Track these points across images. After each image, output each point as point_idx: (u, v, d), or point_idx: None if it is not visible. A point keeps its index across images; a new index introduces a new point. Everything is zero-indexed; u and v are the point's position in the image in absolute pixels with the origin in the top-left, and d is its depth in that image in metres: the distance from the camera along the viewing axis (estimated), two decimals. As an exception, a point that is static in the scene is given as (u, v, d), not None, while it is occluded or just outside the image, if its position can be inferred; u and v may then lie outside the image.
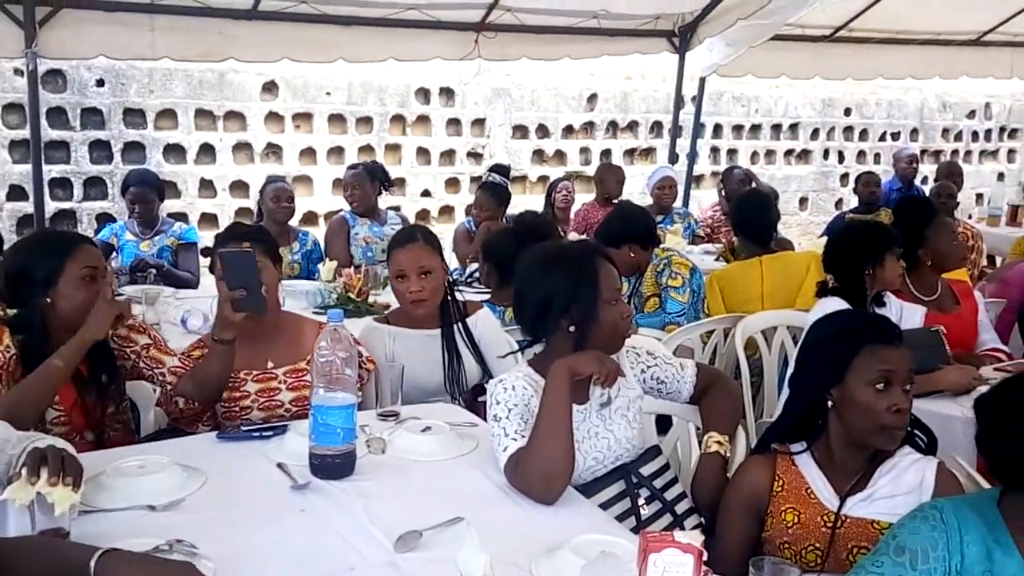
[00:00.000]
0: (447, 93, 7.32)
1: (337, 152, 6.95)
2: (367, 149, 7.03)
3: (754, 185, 6.06)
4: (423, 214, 7.35)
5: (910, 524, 1.36)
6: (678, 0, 5.81)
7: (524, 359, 2.08)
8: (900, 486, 1.72)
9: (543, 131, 7.76)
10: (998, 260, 6.10)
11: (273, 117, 6.72)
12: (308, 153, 6.88)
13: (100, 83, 6.08)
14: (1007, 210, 6.88)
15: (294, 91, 6.75)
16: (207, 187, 6.60)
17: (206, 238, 6.54)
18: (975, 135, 9.74)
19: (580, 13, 5.54)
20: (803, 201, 9.04)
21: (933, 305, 3.12)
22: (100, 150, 6.16)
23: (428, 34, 5.36)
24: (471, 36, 5.41)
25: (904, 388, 1.69)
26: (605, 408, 1.99)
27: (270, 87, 6.68)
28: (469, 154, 7.49)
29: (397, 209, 6.95)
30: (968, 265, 4.99)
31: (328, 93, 6.87)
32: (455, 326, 2.66)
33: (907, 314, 3.00)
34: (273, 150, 6.78)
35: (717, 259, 5.03)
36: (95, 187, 6.18)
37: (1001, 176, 9.89)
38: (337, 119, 6.94)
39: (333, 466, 1.82)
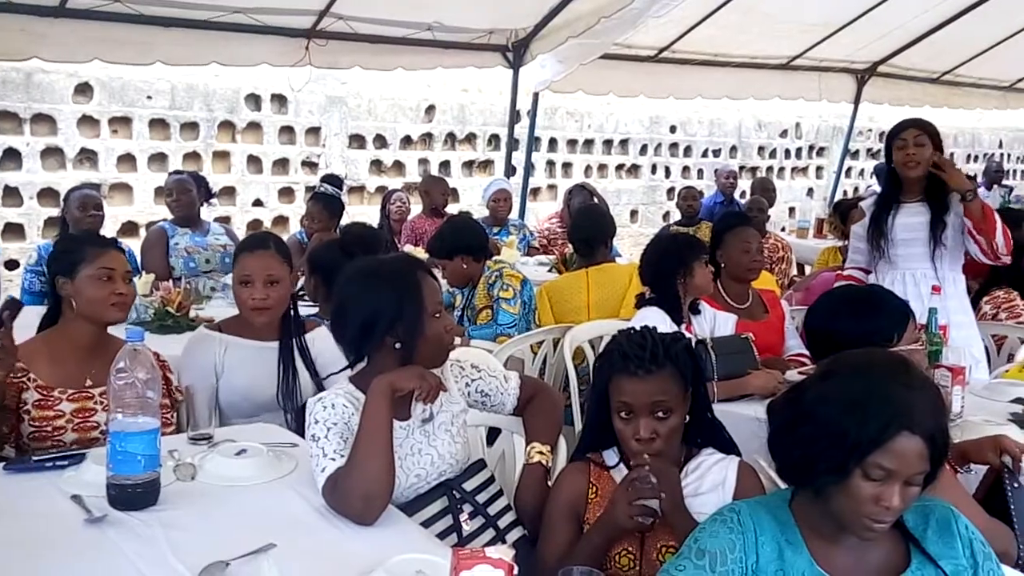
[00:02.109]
0: (279, 100, 7.11)
1: (159, 159, 6.59)
2: (193, 156, 6.72)
3: (595, 200, 6.25)
4: (255, 224, 7.10)
5: (710, 527, 1.42)
6: (511, 16, 5.91)
7: (346, 376, 2.03)
8: (704, 485, 1.80)
9: (381, 141, 7.69)
10: (807, 269, 6.58)
11: (87, 121, 6.30)
12: (127, 160, 6.49)
13: None
14: (814, 223, 7.43)
15: (111, 94, 6.36)
16: (12, 195, 6.10)
17: (10, 250, 6.06)
18: (787, 153, 10.49)
19: (414, 24, 5.53)
20: (634, 214, 9.41)
21: (744, 313, 3.29)
22: None
23: (255, 39, 5.19)
24: (301, 43, 5.28)
25: (654, 416, 1.75)
26: (428, 424, 1.97)
27: (84, 89, 6.26)
28: (304, 163, 7.31)
29: (227, 220, 6.71)
30: (778, 274, 5.36)
31: (149, 97, 6.52)
32: (293, 340, 2.57)
33: (720, 322, 3.17)
34: (87, 156, 6.35)
35: (550, 270, 5.13)
36: None
37: (810, 191, 10.69)
38: (159, 124, 6.60)
39: (134, 496, 1.70)
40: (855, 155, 10.35)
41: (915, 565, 1.38)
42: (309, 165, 7.31)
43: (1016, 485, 1.82)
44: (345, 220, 5.17)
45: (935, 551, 1.38)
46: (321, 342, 2.61)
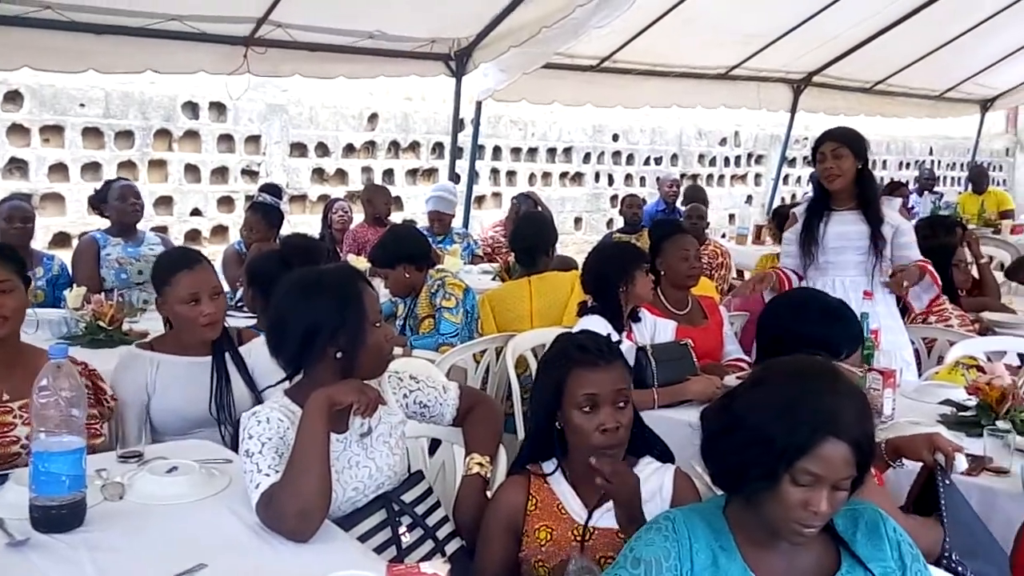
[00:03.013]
0: (218, 108, 7.00)
1: (93, 168, 6.44)
2: (128, 165, 6.58)
3: (539, 208, 6.27)
4: (193, 234, 6.97)
5: (645, 536, 1.43)
6: (453, 25, 5.90)
7: (281, 389, 1.99)
8: (642, 494, 1.80)
9: (323, 149, 7.62)
10: (746, 275, 6.68)
11: (17, 129, 6.13)
12: (59, 169, 6.33)
13: None
14: (753, 230, 7.55)
15: (42, 102, 6.19)
16: (-65, 205, 5.87)
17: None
18: (727, 160, 10.68)
19: (355, 33, 5.49)
20: (578, 221, 9.47)
21: (684, 320, 3.33)
22: None
23: (192, 47, 5.09)
24: (240, 50, 5.20)
25: (616, 406, 1.77)
26: (366, 438, 1.95)
27: (13, 96, 6.09)
28: (244, 172, 7.20)
29: (164, 230, 6.57)
30: (717, 280, 5.44)
31: (82, 105, 6.36)
32: (226, 353, 2.52)
33: (660, 328, 3.20)
34: (17, 165, 6.17)
35: (494, 279, 5.13)
36: None
37: (749, 198, 10.89)
38: (93, 133, 6.44)
39: (58, 518, 1.64)
40: (792, 163, 10.58)
41: (845, 568, 1.40)
42: (249, 174, 7.20)
43: (948, 483, 1.87)
44: (286, 230, 5.11)
45: (864, 554, 1.41)
46: (258, 352, 2.56)
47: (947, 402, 2.67)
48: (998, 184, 12.35)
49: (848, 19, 6.93)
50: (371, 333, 1.88)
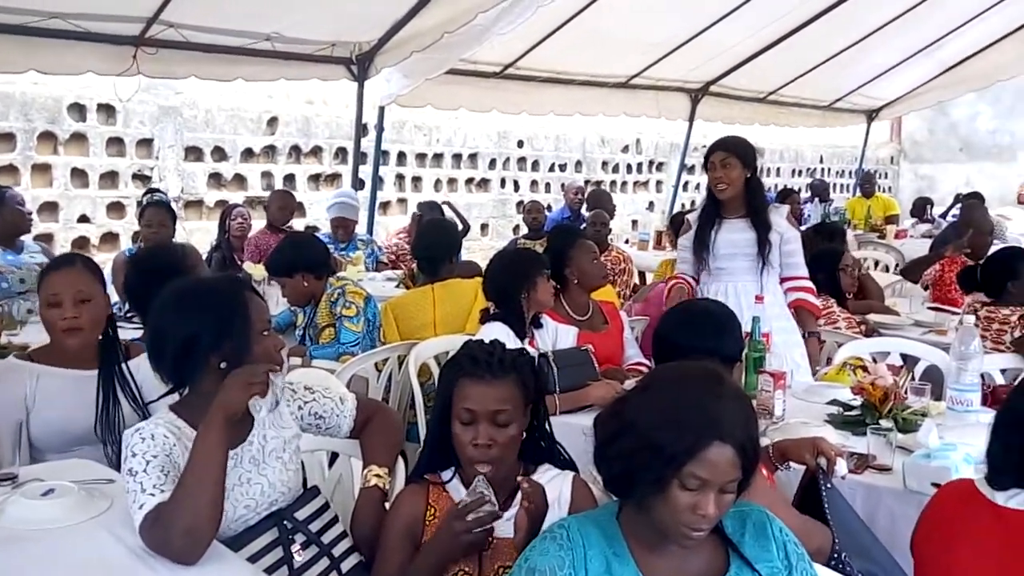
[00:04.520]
0: (107, 110, 6.71)
1: (-31, 172, 6.08)
2: (9, 169, 6.24)
3: (446, 216, 6.24)
4: (81, 242, 6.66)
5: (540, 545, 1.42)
6: (354, 29, 5.82)
7: (166, 404, 1.91)
8: (542, 502, 1.81)
9: (220, 154, 7.40)
10: (648, 279, 6.82)
11: None
12: (-69, 173, 5.95)
13: None
14: (654, 235, 7.72)
15: (-90, 101, 5.81)
16: None
17: None
18: (629, 167, 10.88)
19: (252, 34, 5.34)
20: (484, 227, 9.49)
21: (585, 325, 3.36)
22: None
23: (77, 46, 4.85)
24: (129, 51, 4.99)
25: (494, 423, 1.74)
26: (273, 412, 1.87)
27: None
28: (135, 176, 6.93)
29: (49, 238, 6.26)
30: (620, 285, 5.53)
31: (-43, 105, 6.00)
32: (114, 367, 2.40)
33: (561, 334, 3.22)
34: None
35: (398, 286, 5.07)
36: None
37: (651, 205, 11.13)
38: (-31, 135, 6.08)
39: (-83, 549, 1.53)
40: (691, 170, 10.85)
41: (734, 569, 1.43)
42: (141, 178, 6.92)
43: (829, 486, 1.93)
44: (180, 236, 4.95)
45: (752, 554, 1.44)
46: (147, 367, 2.44)
47: (834, 402, 2.77)
48: (884, 191, 12.99)
49: (741, 32, 7.16)
50: (258, 342, 1.83)
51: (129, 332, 3.37)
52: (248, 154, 7.58)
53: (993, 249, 4.33)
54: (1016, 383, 1.81)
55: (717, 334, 2.33)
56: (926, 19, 7.68)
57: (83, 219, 6.68)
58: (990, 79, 9.21)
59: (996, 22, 8.06)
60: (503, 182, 9.64)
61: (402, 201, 8.77)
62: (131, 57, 5.00)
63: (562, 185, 9.30)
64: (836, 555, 1.86)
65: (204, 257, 5.45)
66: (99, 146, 6.69)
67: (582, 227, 5.95)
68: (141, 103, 6.76)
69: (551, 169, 10.06)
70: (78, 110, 6.57)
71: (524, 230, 7.20)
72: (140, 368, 2.43)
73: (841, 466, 1.92)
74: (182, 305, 1.85)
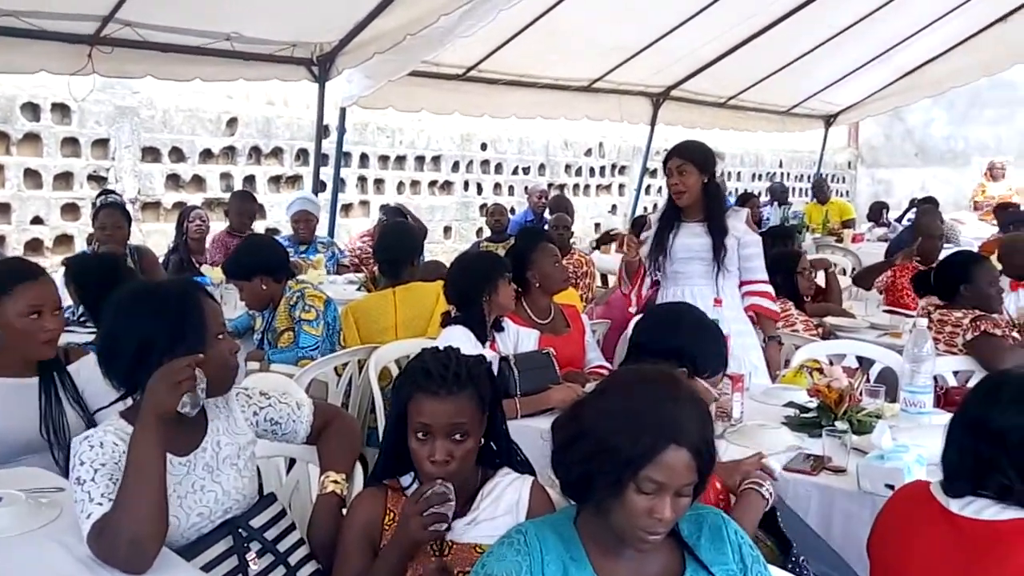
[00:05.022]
0: (61, 109, 6.58)
1: (-83, 172, 5.92)
2: (-42, 170, 6.08)
3: (409, 219, 6.21)
4: (34, 244, 6.52)
5: (497, 550, 1.42)
6: (314, 30, 5.77)
7: (116, 411, 1.87)
8: (500, 507, 1.79)
9: (178, 155, 7.29)
10: (610, 281, 6.85)
11: None
12: None
13: None
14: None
15: None
16: None
17: None
18: (592, 171, 10.92)
19: (210, 34, 5.27)
20: (447, 230, 9.46)
21: (547, 328, 3.36)
22: None
23: (30, 44, 4.75)
24: (84, 49, 4.89)
25: (451, 438, 1.71)
26: (228, 418, 1.84)
27: None
28: (90, 177, 6.79)
29: (0, 240, 6.12)
30: (582, 288, 5.54)
31: (-97, 104, 5.84)
32: (54, 373, 2.34)
33: (523, 337, 3.22)
34: None
35: (359, 289, 5.04)
36: None
37: (614, 208, 11.18)
38: (-83, 134, 5.92)
39: None
40: (653, 174, 10.92)
41: (689, 572, 1.44)
42: (96, 179, 6.79)
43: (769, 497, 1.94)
44: (137, 238, 4.86)
45: (708, 558, 1.45)
46: (88, 371, 2.39)
47: (791, 404, 2.80)
48: (841, 195, 13.19)
49: (701, 37, 7.23)
50: (213, 346, 1.80)
51: (82, 336, 3.32)
52: (207, 155, 7.47)
53: (946, 253, 4.41)
54: (970, 386, 1.82)
55: (698, 336, 2.28)
56: (882, 26, 7.83)
57: (36, 221, 6.54)
58: (944, 85, 9.41)
59: (950, 30, 8.24)
60: (466, 185, 9.62)
61: (364, 203, 8.72)
62: (86, 56, 4.90)
63: (525, 188, 9.32)
64: (794, 558, 1.88)
65: (161, 260, 5.38)
66: (53, 146, 6.55)
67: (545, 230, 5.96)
68: (97, 103, 6.63)
69: (514, 172, 10.07)
70: (31, 109, 6.43)
71: (487, 233, 7.19)
72: (80, 373, 2.39)
73: (774, 469, 1.95)
74: (135, 309, 1.81)
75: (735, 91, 8.93)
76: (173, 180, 7.28)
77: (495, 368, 2.75)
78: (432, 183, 9.32)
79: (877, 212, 9.97)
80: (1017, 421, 1.56)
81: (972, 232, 9.24)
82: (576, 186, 10.62)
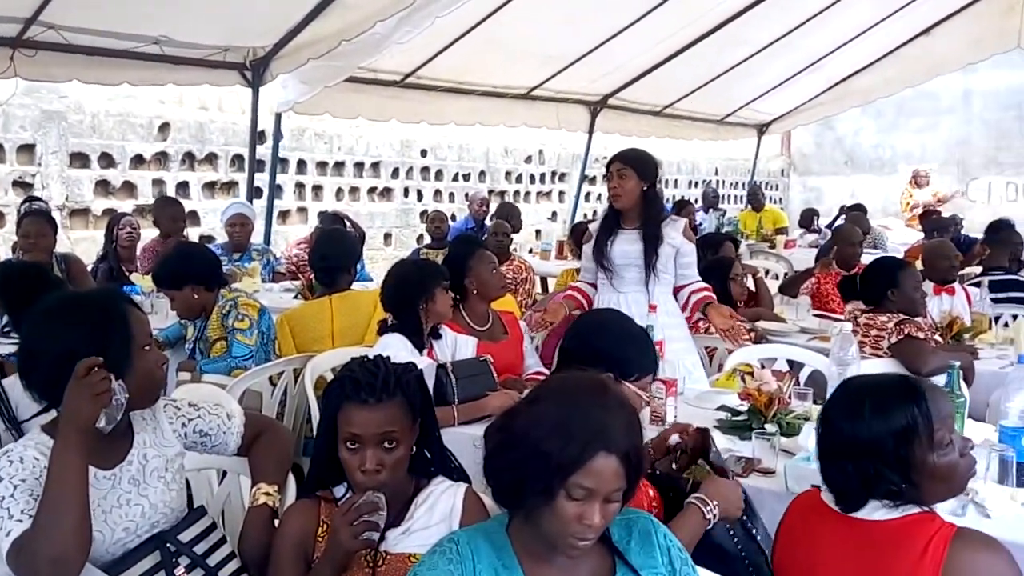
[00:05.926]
0: (-16, 114, 6.36)
1: None
2: None
3: (348, 226, 6.15)
4: (-45, 253, 6.28)
5: (429, 560, 1.42)
6: (247, 34, 5.68)
7: (38, 425, 1.81)
8: (434, 516, 1.79)
9: (108, 160, 7.10)
10: (551, 286, 6.89)
11: None
12: None
13: None
14: (556, 245, 7.81)
15: None
16: None
17: None
18: (532, 178, 10.98)
19: (139, 37, 5.14)
20: (387, 237, 9.41)
21: (485, 335, 3.37)
22: None
23: (-52, 46, 4.60)
24: (6, 52, 4.74)
25: (381, 447, 1.70)
26: (155, 431, 1.79)
27: None
28: (16, 183, 6.58)
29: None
30: (522, 295, 5.56)
31: None
32: None
33: (460, 344, 3.21)
34: None
35: (296, 297, 4.98)
36: None
37: (554, 215, 11.25)
38: None
39: None
40: (592, 181, 11.04)
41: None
42: (22, 186, 6.58)
43: (715, 449, 2.01)
44: (65, 246, 4.72)
45: (637, 562, 1.46)
46: (20, 385, 2.32)
47: (723, 408, 2.85)
48: (775, 202, 13.50)
49: (638, 46, 7.34)
50: (139, 357, 1.76)
51: (7, 347, 3.21)
52: (138, 161, 7.30)
53: (872, 258, 4.54)
54: (825, 402, 1.81)
55: (624, 342, 2.31)
56: (812, 38, 8.06)
57: (-43, 228, 6.31)
58: (871, 95, 9.73)
59: (877, 41, 8.53)
60: (406, 191, 9.58)
61: (302, 210, 8.61)
62: (8, 59, 4.76)
63: (466, 195, 9.31)
64: (746, 513, 1.93)
65: (90, 268, 5.23)
66: (-25, 152, 6.33)
67: (484, 238, 5.97)
68: (22, 107, 6.43)
69: (455, 179, 10.06)
70: (-49, 113, 6.22)
71: (428, 240, 7.17)
72: (16, 387, 2.31)
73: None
74: (57, 319, 1.76)
75: (670, 100, 9.08)
76: (103, 186, 7.10)
77: (432, 376, 2.76)
78: (371, 190, 9.26)
79: (808, 219, 10.22)
80: (885, 428, 1.59)
81: (899, 238, 9.56)
82: (516, 192, 10.66)
